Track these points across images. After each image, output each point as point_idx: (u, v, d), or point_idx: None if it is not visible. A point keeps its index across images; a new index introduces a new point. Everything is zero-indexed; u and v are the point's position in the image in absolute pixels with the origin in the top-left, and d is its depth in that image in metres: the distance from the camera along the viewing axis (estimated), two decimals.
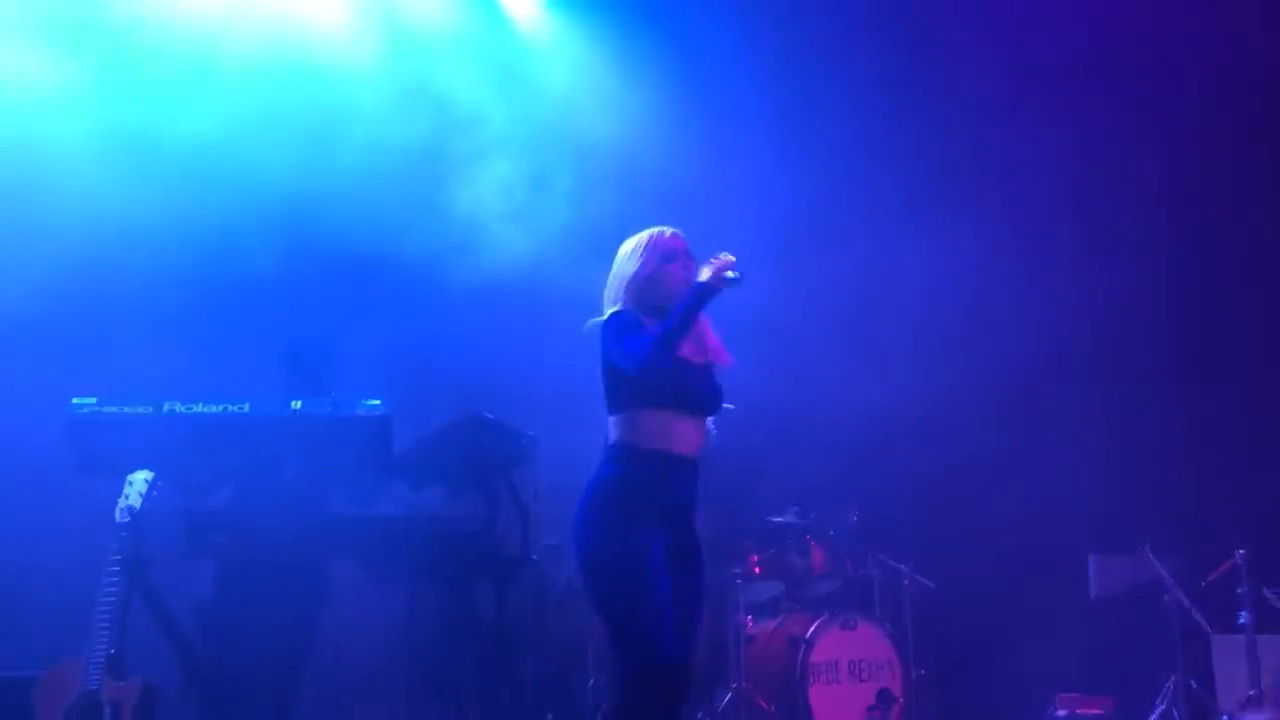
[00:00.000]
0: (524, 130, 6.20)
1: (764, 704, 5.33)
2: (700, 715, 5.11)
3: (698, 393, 3.26)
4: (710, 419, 3.36)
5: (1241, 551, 5.07)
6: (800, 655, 5.38)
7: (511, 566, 4.81)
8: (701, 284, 3.12)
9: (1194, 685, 5.30)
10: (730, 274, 3.11)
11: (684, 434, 3.19)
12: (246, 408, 4.26)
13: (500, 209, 5.91)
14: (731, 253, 3.13)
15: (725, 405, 3.40)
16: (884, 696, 5.48)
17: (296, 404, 4.27)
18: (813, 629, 5.45)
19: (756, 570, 5.77)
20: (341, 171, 5.53)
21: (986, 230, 6.05)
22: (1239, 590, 5.06)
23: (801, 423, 6.08)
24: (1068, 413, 6.19)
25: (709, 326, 3.32)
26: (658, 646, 2.96)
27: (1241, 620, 5.09)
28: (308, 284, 5.50)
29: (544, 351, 5.55)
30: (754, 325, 6.15)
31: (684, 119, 6.33)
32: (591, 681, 5.48)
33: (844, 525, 5.99)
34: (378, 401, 4.35)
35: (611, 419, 3.23)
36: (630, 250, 3.33)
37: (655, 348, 3.05)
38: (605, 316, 3.23)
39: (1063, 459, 6.06)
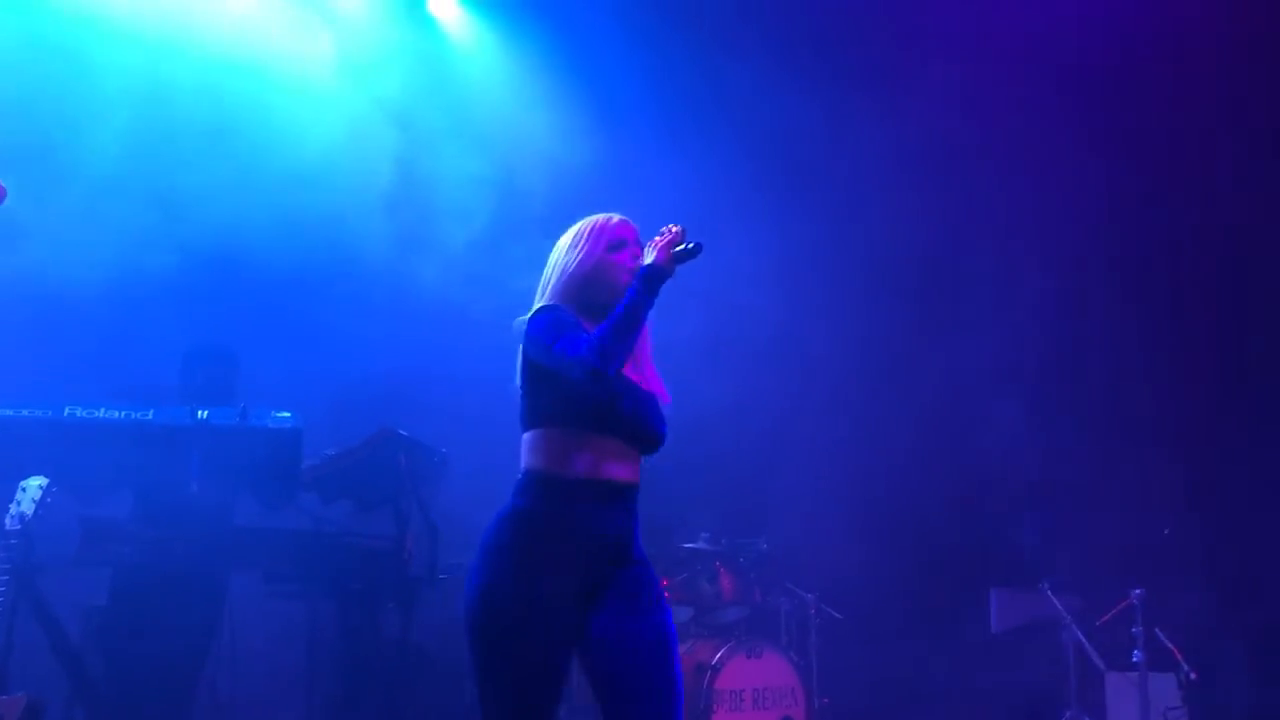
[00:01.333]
0: (446, 140, 6.16)
1: None
2: None
3: (643, 421, 2.67)
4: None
5: (1137, 592, 5.20)
6: (705, 682, 5.39)
7: (418, 586, 4.76)
8: (648, 266, 2.57)
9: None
10: (682, 246, 2.60)
11: (619, 461, 2.63)
12: (150, 415, 4.15)
13: (419, 222, 5.86)
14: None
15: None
16: None
17: (203, 413, 4.17)
18: (719, 656, 5.47)
19: (665, 595, 5.76)
20: (258, 179, 5.44)
21: (880, 269, 6.17)
22: (1133, 630, 5.19)
23: (714, 449, 6.11)
24: (973, 452, 6.30)
25: (650, 353, 2.80)
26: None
27: (1135, 659, 5.22)
28: (220, 293, 5.40)
29: (461, 368, 5.51)
30: (665, 345, 6.21)
31: (606, 120, 6.34)
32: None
33: (754, 553, 6.02)
34: (288, 414, 4.27)
35: (527, 437, 2.66)
36: (569, 240, 2.78)
37: (601, 345, 2.46)
38: (532, 312, 2.67)
39: (968, 497, 6.18)
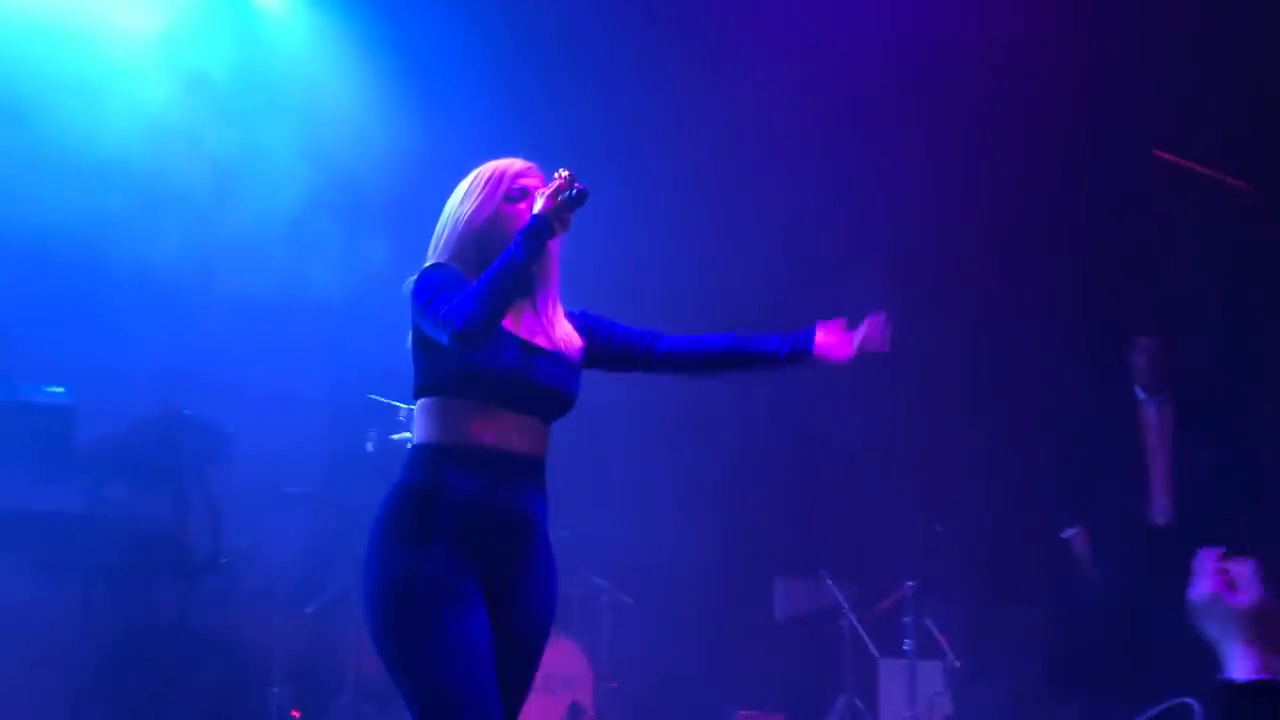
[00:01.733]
0: (255, 118, 5.97)
1: None
2: None
3: (541, 383, 2.47)
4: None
5: (910, 583, 5.48)
6: None
7: (198, 569, 4.63)
8: (535, 215, 2.37)
9: (860, 705, 5.68)
10: (568, 193, 2.40)
11: (515, 429, 2.43)
12: None
13: (213, 193, 5.66)
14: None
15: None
16: (574, 709, 5.59)
17: None
18: None
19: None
20: (50, 153, 5.15)
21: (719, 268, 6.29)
22: (905, 619, 5.47)
23: None
24: (758, 445, 6.48)
25: (558, 309, 2.59)
26: (461, 712, 2.25)
27: (905, 647, 5.50)
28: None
29: (254, 347, 5.37)
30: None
31: (427, 101, 6.26)
32: (276, 689, 5.32)
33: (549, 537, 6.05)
34: (60, 389, 4.08)
35: (415, 409, 2.50)
36: (464, 189, 2.55)
37: (467, 306, 2.27)
38: (419, 272, 2.46)
39: (754, 487, 6.38)
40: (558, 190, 2.40)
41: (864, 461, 6.15)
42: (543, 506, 2.54)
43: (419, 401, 2.48)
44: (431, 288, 2.37)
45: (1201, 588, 1.68)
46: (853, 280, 5.52)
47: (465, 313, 2.28)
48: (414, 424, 2.51)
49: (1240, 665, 1.62)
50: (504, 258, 2.34)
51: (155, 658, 4.71)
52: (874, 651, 5.74)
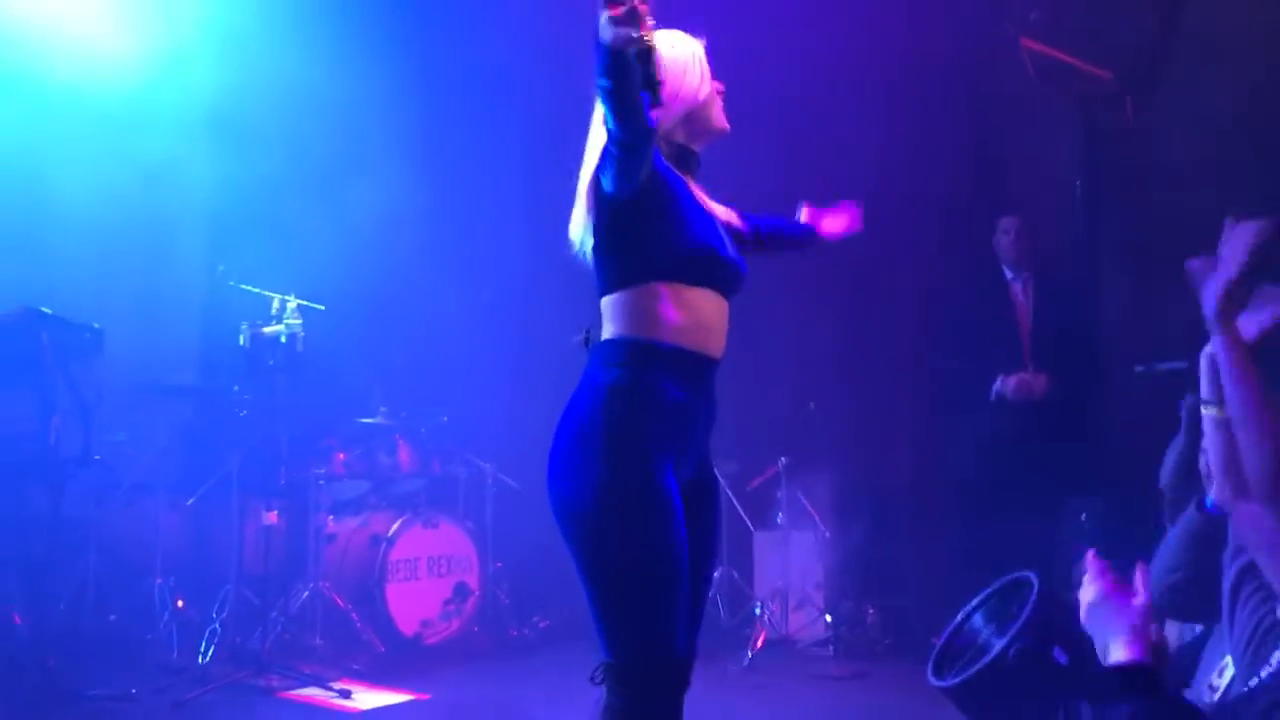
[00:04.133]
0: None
1: (341, 603, 5.40)
2: (274, 615, 5.10)
3: (727, 255, 2.35)
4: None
5: (783, 460, 5.67)
6: (380, 553, 5.49)
7: (70, 466, 4.56)
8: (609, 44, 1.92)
9: (736, 576, 5.91)
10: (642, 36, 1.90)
11: (714, 321, 2.31)
12: None
13: (71, 79, 5.40)
14: None
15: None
16: (460, 589, 5.73)
17: None
18: (395, 527, 5.57)
19: (341, 469, 5.78)
20: None
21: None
22: (778, 493, 5.68)
23: (391, 320, 6.10)
24: None
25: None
26: (671, 636, 2.13)
27: (778, 519, 5.73)
28: None
29: (116, 238, 5.21)
30: (346, 227, 6.09)
31: None
32: (159, 581, 5.34)
33: (434, 425, 6.11)
34: None
35: (610, 301, 2.30)
36: (684, 62, 2.37)
37: (614, 107, 2.01)
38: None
39: None
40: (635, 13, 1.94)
41: (742, 347, 6.28)
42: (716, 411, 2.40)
43: (616, 294, 2.29)
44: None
45: (1092, 590, 1.83)
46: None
47: (616, 117, 2.03)
48: (606, 317, 2.32)
49: (1124, 653, 1.78)
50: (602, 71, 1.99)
51: (30, 555, 4.65)
52: (749, 525, 5.96)
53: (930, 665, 3.50)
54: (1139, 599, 1.86)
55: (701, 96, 2.39)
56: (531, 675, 5.11)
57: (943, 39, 6.16)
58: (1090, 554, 1.91)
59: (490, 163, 6.60)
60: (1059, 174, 6.14)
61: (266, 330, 4.87)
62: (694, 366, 2.27)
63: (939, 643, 3.58)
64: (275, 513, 5.00)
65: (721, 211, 2.51)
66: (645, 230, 2.26)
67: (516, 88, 6.66)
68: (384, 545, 5.51)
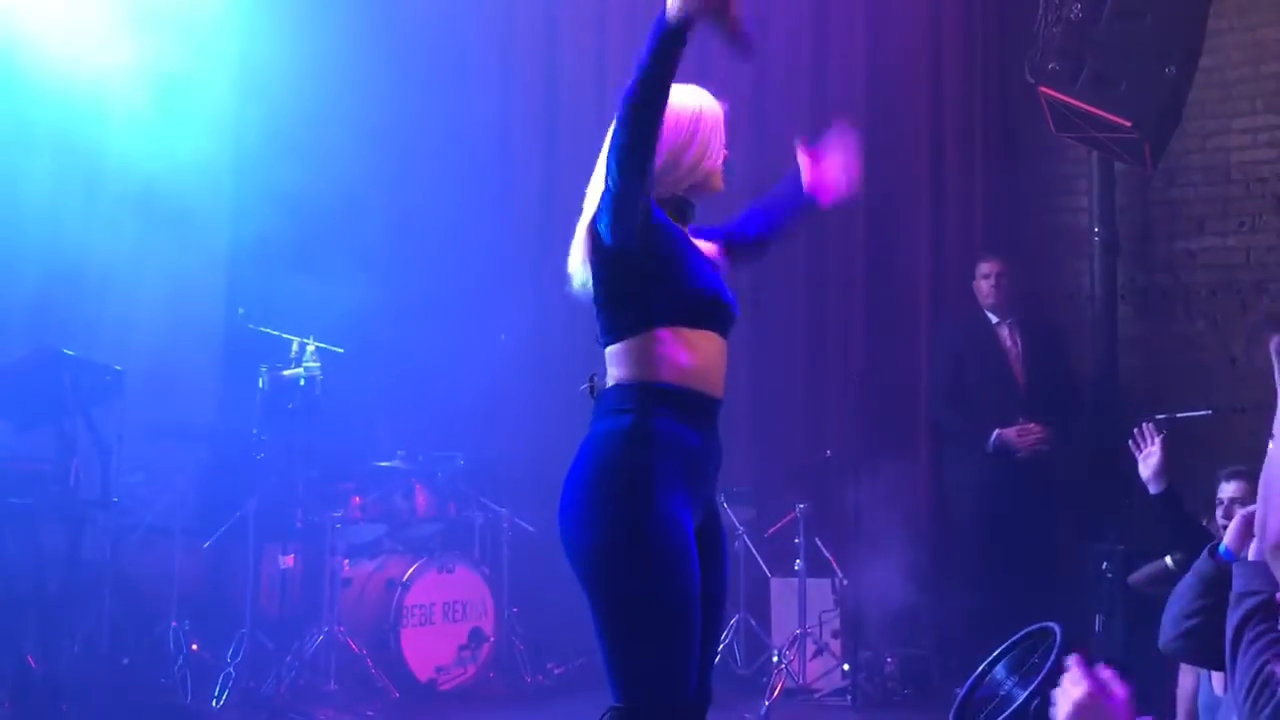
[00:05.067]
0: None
1: (355, 647, 5.37)
2: (289, 659, 5.07)
3: (723, 295, 2.38)
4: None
5: (801, 506, 5.64)
6: (396, 598, 5.46)
7: (87, 508, 4.58)
8: (671, 21, 2.04)
9: (753, 623, 5.86)
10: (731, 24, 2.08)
11: (716, 361, 2.35)
12: None
13: (90, 123, 5.46)
14: None
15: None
16: (475, 635, 5.69)
17: None
18: (410, 572, 5.54)
19: (357, 513, 5.77)
20: None
21: None
22: (795, 540, 5.64)
23: (408, 362, 6.12)
24: None
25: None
26: (683, 679, 2.13)
27: (797, 566, 5.68)
28: None
29: (136, 280, 5.25)
30: (364, 269, 6.13)
31: None
32: (174, 624, 5.32)
33: (450, 468, 6.09)
34: None
35: (615, 348, 2.33)
36: (687, 122, 2.39)
37: (626, 135, 2.11)
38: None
39: None
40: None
41: (759, 394, 6.28)
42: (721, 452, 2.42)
43: (619, 342, 2.33)
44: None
45: (1077, 693, 1.81)
46: None
47: (622, 145, 2.13)
48: (610, 365, 2.35)
49: None
50: (640, 74, 2.09)
51: (46, 596, 4.66)
52: (766, 572, 5.91)
53: (951, 716, 3.45)
54: (1119, 694, 1.82)
55: (707, 165, 2.42)
56: None
57: (959, 86, 6.20)
58: (1074, 658, 1.88)
59: (508, 206, 6.64)
60: (1076, 220, 6.16)
61: (285, 373, 4.90)
62: (700, 407, 2.31)
63: (960, 694, 3.53)
64: (291, 556, 4.99)
65: (707, 248, 2.53)
66: (648, 279, 2.30)
67: (535, 136, 6.72)
68: (399, 590, 5.48)
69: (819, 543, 5.69)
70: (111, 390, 4.69)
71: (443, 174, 6.35)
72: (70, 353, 4.40)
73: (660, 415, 2.24)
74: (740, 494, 5.96)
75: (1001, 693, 3.37)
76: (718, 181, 2.47)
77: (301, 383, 4.89)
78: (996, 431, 5.43)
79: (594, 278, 2.35)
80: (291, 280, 5.65)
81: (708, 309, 2.34)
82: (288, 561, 4.98)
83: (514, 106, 6.71)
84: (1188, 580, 2.61)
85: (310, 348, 4.96)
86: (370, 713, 5.03)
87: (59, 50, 5.30)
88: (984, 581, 5.50)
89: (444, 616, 5.63)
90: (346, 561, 5.64)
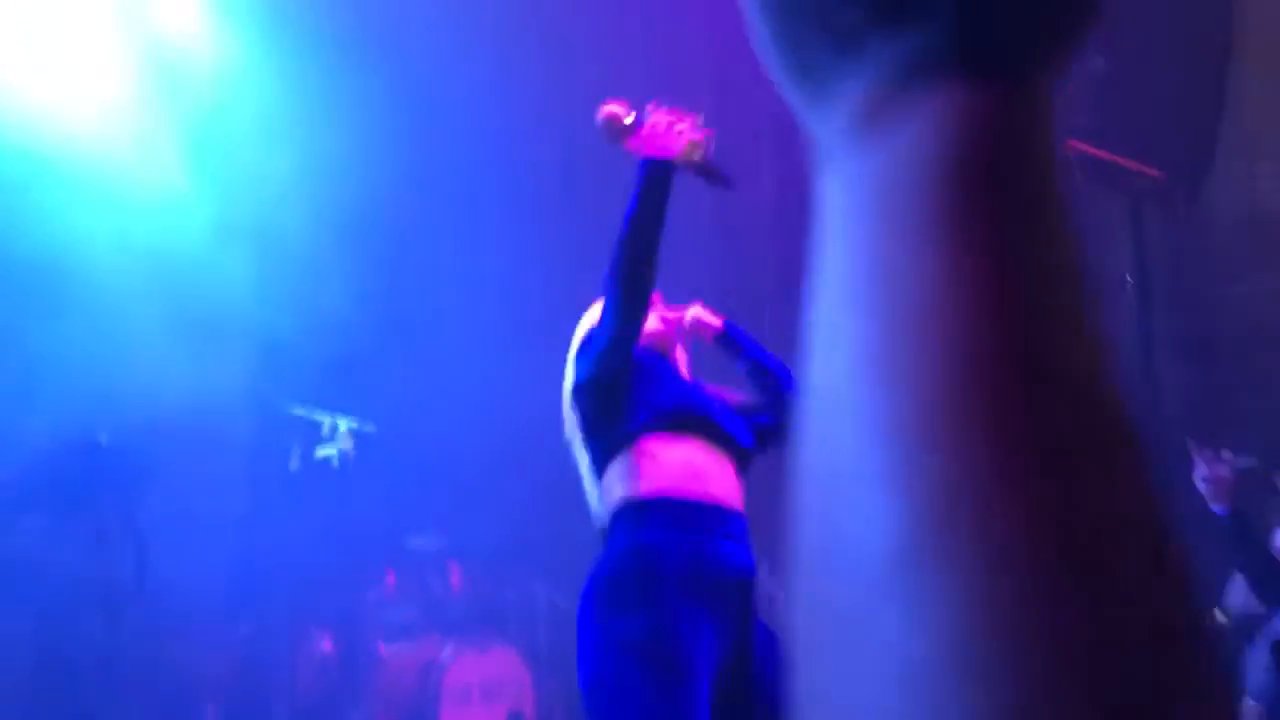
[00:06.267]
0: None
1: None
2: None
3: (712, 411, 2.36)
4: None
5: None
6: (433, 680, 5.36)
7: (122, 597, 4.53)
8: (652, 161, 2.19)
9: None
10: (706, 161, 2.23)
11: (707, 469, 2.26)
12: None
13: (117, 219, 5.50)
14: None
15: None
16: (514, 717, 5.57)
17: None
18: (446, 653, 5.45)
19: (392, 593, 5.70)
20: None
21: None
22: None
23: (444, 439, 6.06)
24: None
25: (682, 357, 2.63)
26: None
27: None
28: None
29: (173, 365, 5.23)
30: (395, 344, 6.11)
31: None
32: (211, 710, 5.24)
33: (484, 546, 6.02)
34: None
35: (601, 487, 2.32)
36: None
37: (614, 287, 2.21)
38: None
39: None
40: (693, 146, 2.21)
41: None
42: (751, 562, 2.29)
43: (605, 473, 2.32)
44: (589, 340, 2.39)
45: None
46: None
47: (612, 302, 2.25)
48: (601, 504, 2.35)
49: None
50: (625, 218, 2.20)
51: (83, 691, 4.59)
52: None
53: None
54: None
55: (659, 348, 2.53)
56: None
57: None
58: None
59: (541, 274, 6.62)
60: (1109, 271, 6.09)
61: (319, 453, 4.86)
62: (694, 515, 2.19)
63: None
64: (329, 639, 4.91)
65: (718, 391, 2.55)
66: (622, 401, 2.31)
67: (561, 197, 6.72)
68: (436, 671, 5.38)
69: None
70: (144, 477, 4.66)
71: (476, 246, 6.35)
72: (103, 440, 4.37)
73: (646, 529, 2.17)
74: (784, 561, 5.85)
75: None
76: (659, 343, 2.54)
77: (335, 463, 4.85)
78: None
79: (577, 416, 2.37)
80: (320, 359, 5.64)
81: (683, 415, 2.30)
82: (325, 645, 4.90)
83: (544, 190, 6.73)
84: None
85: (343, 427, 4.93)
86: None
87: (87, 144, 5.37)
88: None
89: (482, 697, 5.52)
90: (382, 643, 5.55)
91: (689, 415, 2.31)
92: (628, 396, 2.31)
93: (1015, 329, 0.29)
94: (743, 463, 2.38)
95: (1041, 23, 0.32)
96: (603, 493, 2.31)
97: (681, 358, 2.66)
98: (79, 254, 5.36)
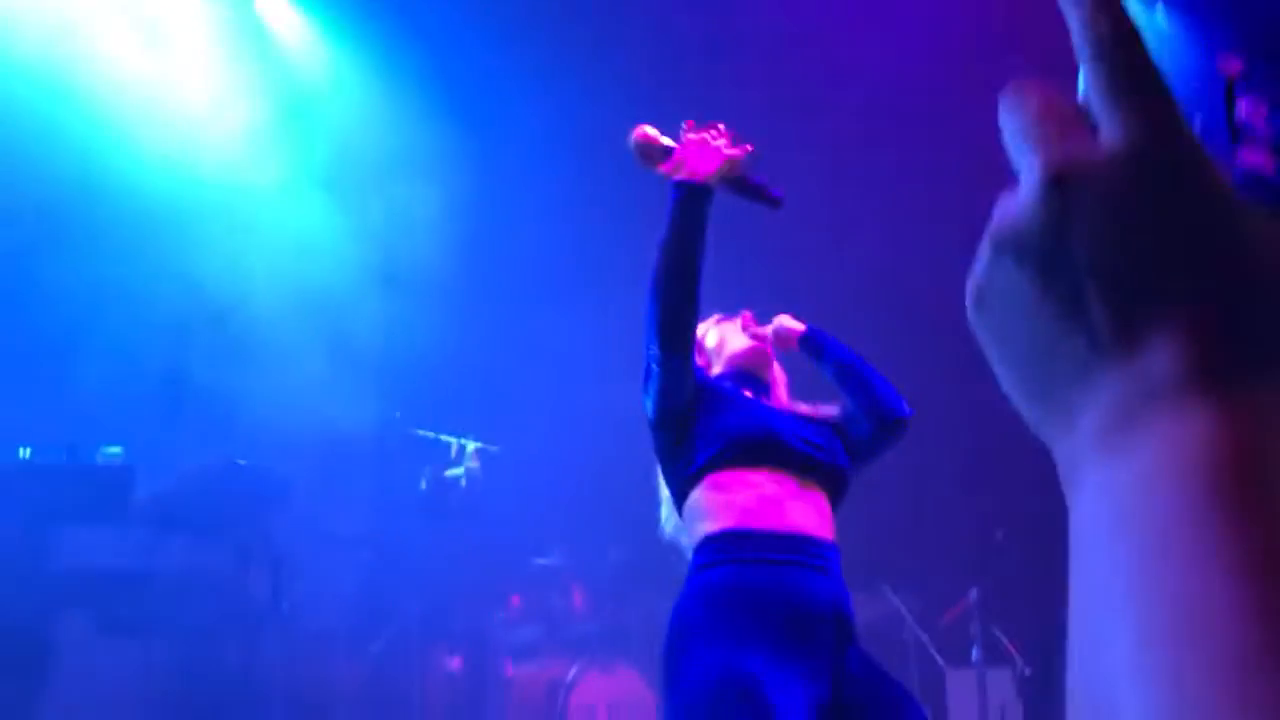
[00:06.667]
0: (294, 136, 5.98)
1: None
2: None
3: (786, 434, 2.25)
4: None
5: (974, 591, 5.40)
6: (560, 700, 5.36)
7: (260, 616, 4.61)
8: (686, 183, 2.16)
9: (929, 718, 5.59)
10: (739, 155, 2.17)
11: (786, 497, 2.18)
12: None
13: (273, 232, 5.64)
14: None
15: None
16: None
17: (25, 451, 3.92)
18: (572, 673, 5.44)
19: (517, 613, 5.72)
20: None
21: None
22: (971, 628, 5.39)
23: (566, 460, 6.09)
24: None
25: (779, 375, 2.57)
26: None
27: (973, 657, 5.42)
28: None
29: (303, 388, 5.35)
30: (516, 366, 6.16)
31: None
32: None
33: (607, 565, 6.02)
34: (118, 449, 4.06)
35: (683, 522, 2.28)
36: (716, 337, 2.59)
37: (653, 305, 2.17)
38: None
39: None
40: (731, 165, 2.17)
41: (920, 474, 6.08)
42: (844, 596, 2.22)
43: (682, 511, 2.28)
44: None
45: None
46: None
47: (653, 335, 2.21)
48: (684, 542, 2.30)
49: None
50: (660, 246, 2.19)
51: (224, 707, 4.69)
52: (940, 663, 5.67)
53: None
54: None
55: (725, 352, 2.51)
56: None
57: None
58: None
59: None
60: None
61: (447, 474, 4.91)
62: (773, 546, 2.11)
63: None
64: (458, 658, 4.95)
65: (807, 409, 2.46)
66: (691, 434, 2.25)
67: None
68: (563, 692, 5.38)
69: (996, 630, 5.43)
70: (279, 498, 4.76)
71: (599, 259, 6.37)
72: (242, 462, 4.47)
73: (720, 566, 2.10)
74: (904, 582, 5.76)
75: None
76: (754, 358, 2.49)
77: (463, 483, 4.90)
78: None
79: (658, 457, 2.34)
80: (443, 381, 5.71)
81: (756, 444, 2.20)
82: (455, 664, 4.94)
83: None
84: None
85: (470, 448, 4.98)
86: None
87: (219, 156, 5.54)
88: None
89: (608, 717, 5.50)
90: (510, 663, 5.56)
91: (762, 441, 2.22)
92: (695, 429, 2.25)
93: None
94: (832, 485, 2.29)
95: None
96: (686, 528, 2.26)
97: (779, 378, 2.58)
98: (225, 285, 5.52)
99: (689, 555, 2.21)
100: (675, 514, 2.33)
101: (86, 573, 4.29)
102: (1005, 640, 5.41)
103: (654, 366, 2.22)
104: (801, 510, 2.18)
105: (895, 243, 6.22)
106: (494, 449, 5.30)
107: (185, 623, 4.43)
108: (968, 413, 6.25)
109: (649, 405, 2.28)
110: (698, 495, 2.21)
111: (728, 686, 1.94)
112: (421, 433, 5.24)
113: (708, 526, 2.17)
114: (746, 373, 2.47)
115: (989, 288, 0.39)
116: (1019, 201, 0.38)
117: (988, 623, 5.39)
